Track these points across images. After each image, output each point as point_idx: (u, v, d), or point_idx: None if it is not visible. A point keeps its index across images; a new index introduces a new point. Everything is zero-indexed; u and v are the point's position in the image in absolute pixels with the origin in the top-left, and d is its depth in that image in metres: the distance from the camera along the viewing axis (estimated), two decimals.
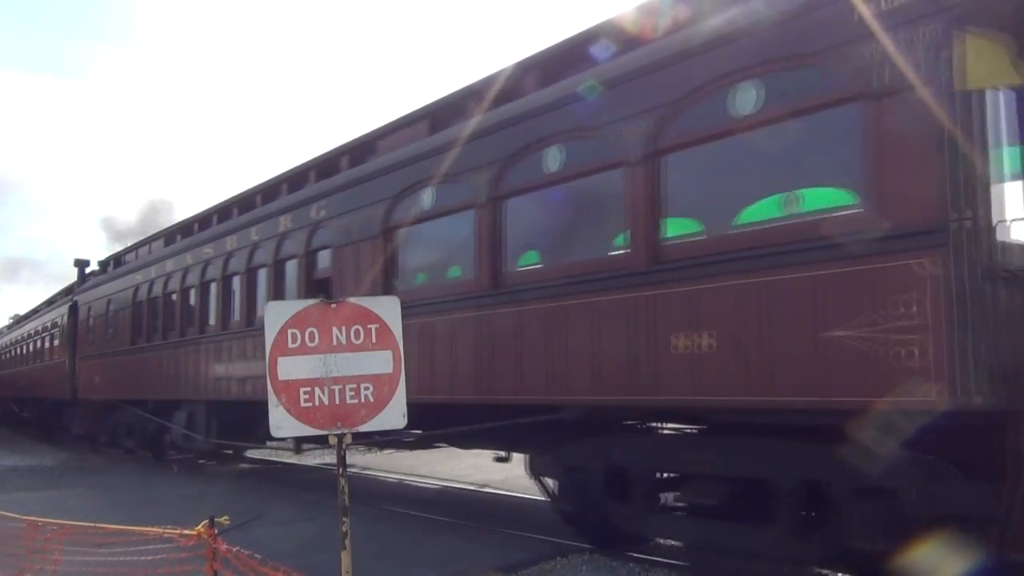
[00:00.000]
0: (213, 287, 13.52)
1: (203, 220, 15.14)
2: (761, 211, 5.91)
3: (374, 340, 4.80)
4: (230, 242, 13.06)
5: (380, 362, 4.81)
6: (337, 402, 4.70)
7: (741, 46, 5.91)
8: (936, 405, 4.80)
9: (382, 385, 4.80)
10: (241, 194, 13.92)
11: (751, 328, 5.67)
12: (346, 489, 4.73)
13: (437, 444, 10.88)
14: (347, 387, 4.73)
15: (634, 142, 6.58)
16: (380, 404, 4.79)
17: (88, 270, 21.96)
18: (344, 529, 4.64)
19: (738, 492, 6.30)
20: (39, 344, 24.94)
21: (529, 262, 7.68)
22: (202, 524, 4.30)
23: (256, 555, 4.27)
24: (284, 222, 11.54)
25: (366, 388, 4.76)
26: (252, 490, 12.15)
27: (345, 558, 4.63)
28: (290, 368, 4.66)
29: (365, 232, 9.64)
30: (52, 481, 15.11)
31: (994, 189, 4.87)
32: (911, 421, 5.00)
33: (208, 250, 13.79)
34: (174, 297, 15.03)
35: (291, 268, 11.49)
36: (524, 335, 7.44)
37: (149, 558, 4.64)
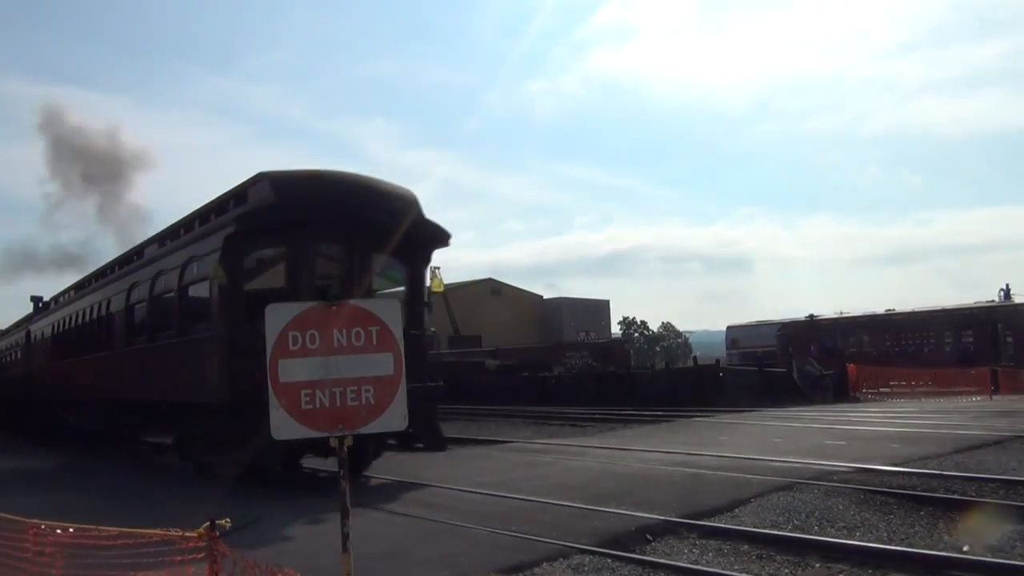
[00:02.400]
0: (74, 329, 21.07)
1: (83, 282, 22.63)
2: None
3: (375, 342, 4.81)
4: (78, 303, 21.13)
5: (381, 364, 4.82)
6: (338, 404, 4.71)
7: (197, 246, 13.18)
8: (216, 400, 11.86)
9: (383, 387, 4.80)
10: (93, 272, 22.06)
11: (165, 365, 14.20)
12: (347, 491, 4.73)
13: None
14: (348, 389, 4.74)
15: (175, 280, 13.99)
16: (381, 406, 4.80)
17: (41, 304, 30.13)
18: (345, 531, 4.65)
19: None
20: (10, 357, 32.19)
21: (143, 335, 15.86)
22: (203, 526, 4.29)
23: (257, 557, 4.26)
24: (94, 297, 19.45)
25: (367, 390, 4.77)
26: (253, 492, 12.13)
27: (346, 560, 4.63)
28: (291, 370, 4.67)
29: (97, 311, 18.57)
30: (53, 484, 15.07)
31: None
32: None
33: (74, 305, 21.74)
34: (62, 332, 22.50)
35: (91, 325, 19.25)
36: (139, 364, 15.73)
37: (150, 560, 4.63)
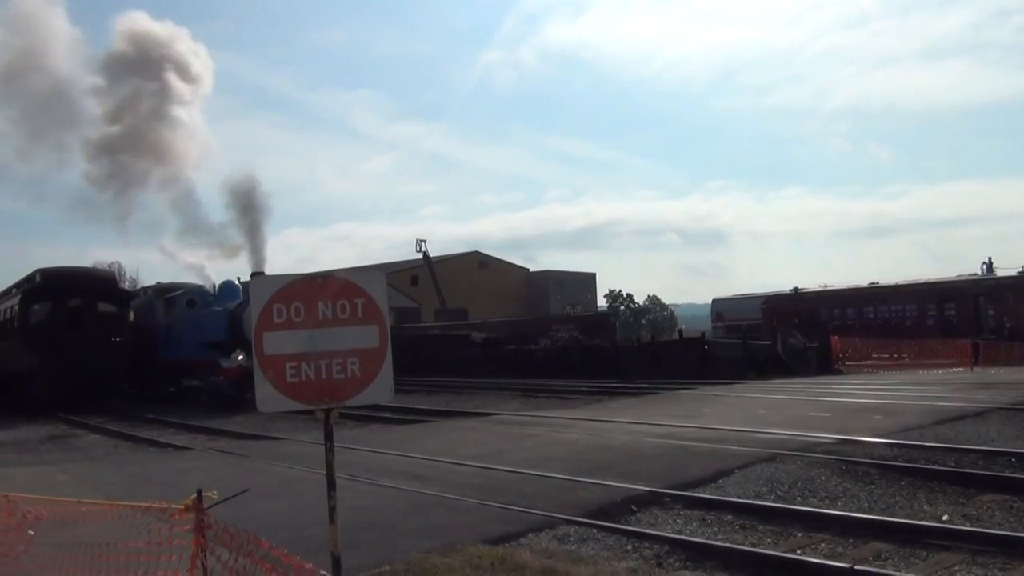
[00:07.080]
0: None
1: None
2: None
3: (360, 314, 4.78)
4: None
5: (367, 336, 4.79)
6: (324, 377, 4.69)
7: (14, 298, 28.72)
8: (24, 370, 26.14)
9: (369, 359, 4.78)
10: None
11: (10, 351, 27.09)
12: (333, 463, 4.74)
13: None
14: (334, 362, 4.72)
15: (10, 312, 28.24)
16: (367, 378, 4.78)
17: None
18: (332, 503, 4.65)
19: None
20: None
21: None
22: (189, 498, 4.29)
23: (245, 529, 4.27)
24: None
25: (353, 363, 4.75)
26: (241, 464, 12.16)
27: (332, 531, 4.65)
28: (276, 343, 4.63)
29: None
30: (38, 456, 15.07)
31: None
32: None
33: None
34: None
35: None
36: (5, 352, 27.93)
37: (134, 533, 4.62)
